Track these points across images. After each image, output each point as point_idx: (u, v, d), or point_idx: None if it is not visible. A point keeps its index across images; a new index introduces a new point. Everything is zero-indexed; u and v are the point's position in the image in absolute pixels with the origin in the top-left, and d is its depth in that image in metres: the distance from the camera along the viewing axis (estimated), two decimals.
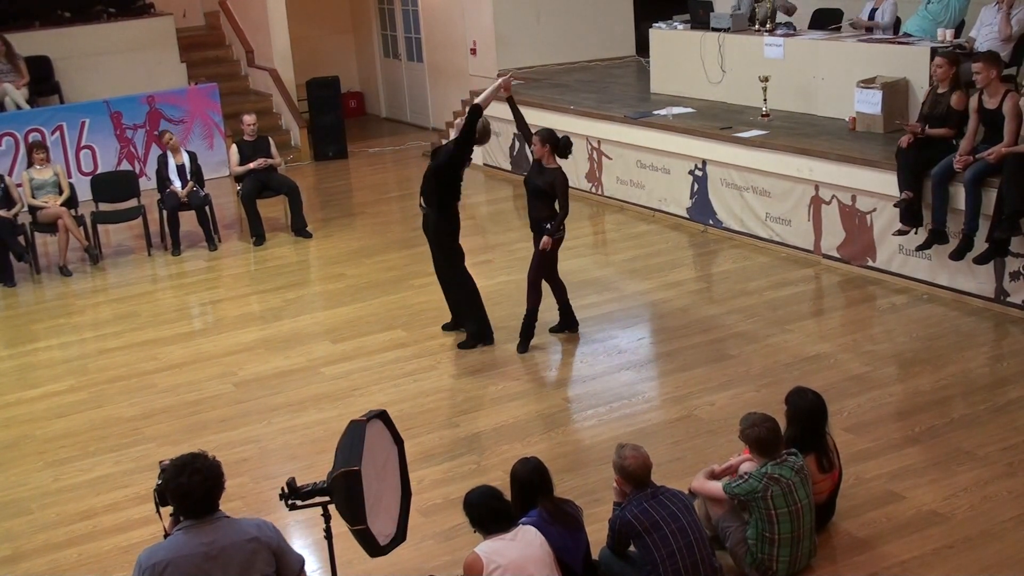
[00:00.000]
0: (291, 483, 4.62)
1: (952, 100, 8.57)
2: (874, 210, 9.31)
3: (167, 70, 15.87)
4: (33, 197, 11.27)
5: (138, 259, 11.64)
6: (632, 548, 5.08)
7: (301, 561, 4.36)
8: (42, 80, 14.99)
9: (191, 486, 4.02)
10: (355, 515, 4.50)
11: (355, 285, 10.21)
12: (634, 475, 5.02)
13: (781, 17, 11.79)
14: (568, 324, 8.62)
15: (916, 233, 8.86)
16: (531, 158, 8.36)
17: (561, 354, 8.39)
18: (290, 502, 4.61)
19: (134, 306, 10.14)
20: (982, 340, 8.10)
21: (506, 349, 8.42)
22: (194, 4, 17.90)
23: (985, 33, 9.89)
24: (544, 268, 8.32)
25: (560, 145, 8.16)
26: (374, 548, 4.62)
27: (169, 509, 4.20)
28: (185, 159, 11.83)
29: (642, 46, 14.84)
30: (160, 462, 4.25)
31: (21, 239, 11.01)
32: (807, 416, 5.53)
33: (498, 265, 10.38)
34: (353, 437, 4.62)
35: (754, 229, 10.56)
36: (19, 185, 11.47)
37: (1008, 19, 9.53)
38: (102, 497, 6.63)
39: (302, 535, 5.96)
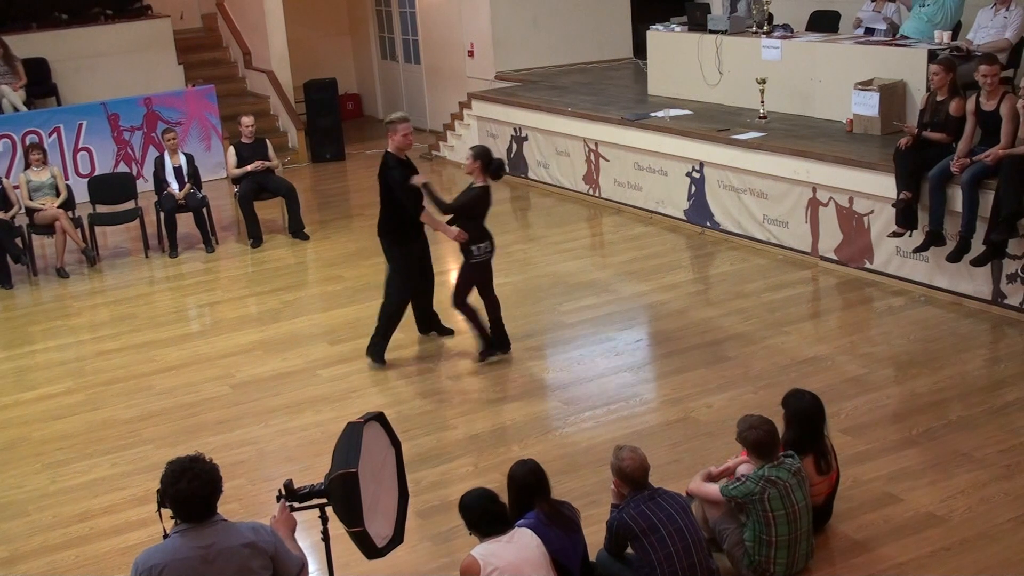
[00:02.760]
0: (288, 485, 4.62)
1: (951, 107, 8.57)
2: (871, 212, 9.32)
3: (164, 72, 15.86)
4: (30, 199, 11.27)
5: (135, 261, 11.63)
6: (629, 550, 5.08)
7: (300, 563, 4.35)
8: (39, 82, 14.99)
9: (190, 491, 4.00)
10: (352, 517, 4.49)
11: (353, 287, 10.20)
12: (632, 477, 5.02)
13: (780, 19, 11.80)
14: (500, 344, 8.23)
15: (911, 236, 8.87)
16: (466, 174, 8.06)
17: (558, 356, 8.38)
18: (287, 504, 4.60)
19: (131, 308, 10.13)
20: (979, 342, 8.11)
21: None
22: (191, 6, 17.89)
23: (983, 35, 9.91)
24: (465, 290, 8.03)
25: (492, 165, 7.89)
26: (371, 550, 4.62)
27: (169, 512, 4.19)
28: (182, 161, 11.83)
29: (639, 48, 14.86)
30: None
31: (18, 241, 10.99)
32: (805, 418, 5.53)
33: (495, 267, 10.35)
34: (350, 439, 4.61)
35: (751, 231, 10.56)
36: (16, 187, 11.47)
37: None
38: (99, 499, 6.62)
39: (299, 537, 5.88)
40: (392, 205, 7.98)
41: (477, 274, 8.03)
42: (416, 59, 17.46)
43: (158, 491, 4.20)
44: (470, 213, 7.90)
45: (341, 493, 4.48)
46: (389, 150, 7.96)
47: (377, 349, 8.28)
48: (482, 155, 7.90)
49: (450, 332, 8.68)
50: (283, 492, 4.59)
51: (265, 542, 4.17)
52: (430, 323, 8.70)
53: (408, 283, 8.21)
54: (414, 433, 7.12)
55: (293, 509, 4.62)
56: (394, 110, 18.35)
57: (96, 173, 13.49)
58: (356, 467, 4.48)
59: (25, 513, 6.53)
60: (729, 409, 7.08)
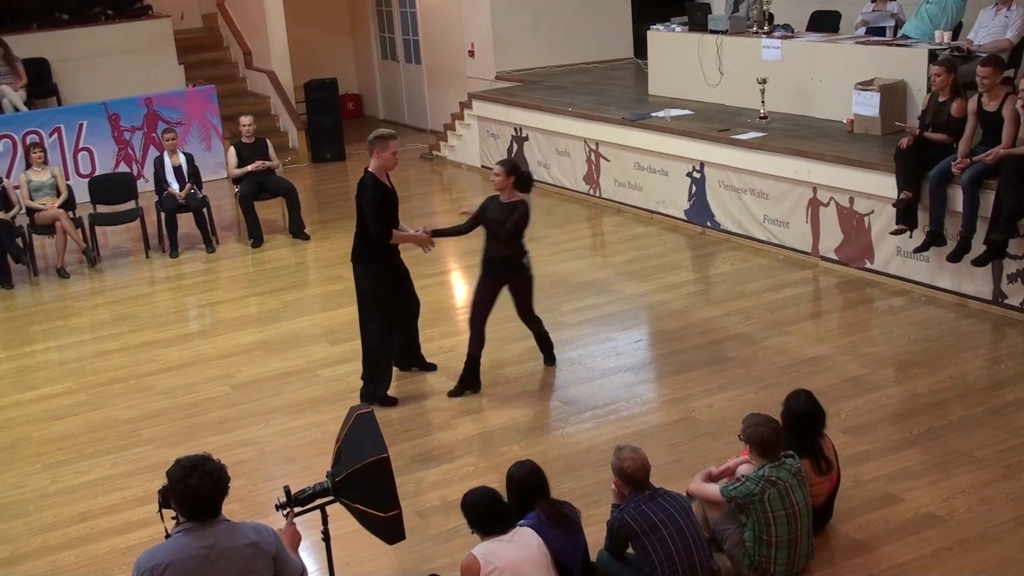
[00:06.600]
0: (288, 491, 4.61)
1: (952, 109, 8.56)
2: (872, 212, 9.32)
3: (165, 72, 15.87)
4: (31, 199, 11.27)
5: (136, 261, 11.63)
6: (630, 550, 5.08)
7: (300, 568, 4.35)
8: (40, 82, 14.99)
9: (199, 488, 3.99)
10: (389, 502, 4.54)
11: (353, 287, 10.14)
12: (632, 477, 5.02)
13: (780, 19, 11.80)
14: (548, 357, 8.12)
15: (911, 236, 8.87)
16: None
17: (559, 356, 8.35)
18: (289, 510, 4.60)
19: (132, 308, 10.13)
20: (980, 342, 8.10)
21: (503, 351, 8.39)
22: (192, 6, 17.90)
23: (983, 35, 9.91)
24: (532, 301, 7.76)
25: (522, 178, 7.49)
26: (399, 534, 4.67)
27: (171, 512, 4.18)
28: (182, 160, 11.83)
29: (640, 48, 14.85)
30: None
31: (19, 241, 11.00)
32: (805, 418, 5.54)
33: None
34: (368, 426, 4.67)
35: (752, 231, 10.56)
36: (17, 187, 11.48)
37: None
38: (100, 499, 6.62)
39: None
40: (365, 227, 7.39)
41: (531, 283, 7.79)
42: (417, 59, 17.47)
43: (159, 491, 4.20)
44: (519, 230, 7.55)
45: (374, 479, 4.53)
46: (371, 169, 7.35)
47: (372, 392, 7.56)
48: (514, 170, 7.49)
49: (433, 367, 8.06)
50: (282, 500, 4.58)
51: (267, 543, 4.16)
52: (412, 357, 8.02)
53: (384, 305, 7.48)
54: (414, 433, 7.13)
55: (297, 514, 4.62)
56: (394, 110, 18.62)
57: (97, 173, 13.49)
58: (386, 451, 4.52)
59: (26, 513, 6.53)
60: (730, 409, 7.09)
